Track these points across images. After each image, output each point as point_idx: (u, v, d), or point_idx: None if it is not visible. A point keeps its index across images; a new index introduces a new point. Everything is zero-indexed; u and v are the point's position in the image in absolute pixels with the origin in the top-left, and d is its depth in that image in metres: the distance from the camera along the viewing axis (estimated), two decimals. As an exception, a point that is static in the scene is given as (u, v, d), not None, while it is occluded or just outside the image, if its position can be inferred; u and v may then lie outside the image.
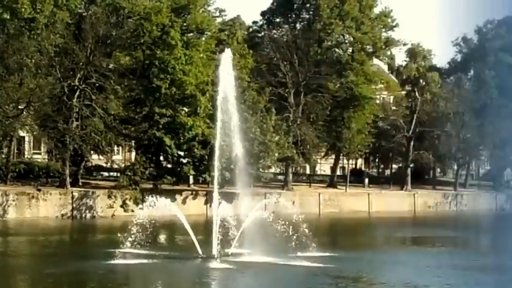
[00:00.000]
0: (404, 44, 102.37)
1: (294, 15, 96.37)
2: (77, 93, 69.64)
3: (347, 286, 32.43)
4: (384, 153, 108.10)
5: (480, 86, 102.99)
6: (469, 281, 34.54)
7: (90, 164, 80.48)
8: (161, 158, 72.95)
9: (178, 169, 73.18)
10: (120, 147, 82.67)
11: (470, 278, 35.55)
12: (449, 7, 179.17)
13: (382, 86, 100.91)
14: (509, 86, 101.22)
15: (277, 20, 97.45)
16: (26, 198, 68.34)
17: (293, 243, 37.58)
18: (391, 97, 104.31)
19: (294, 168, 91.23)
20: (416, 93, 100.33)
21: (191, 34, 76.57)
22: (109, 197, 71.82)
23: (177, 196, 67.00)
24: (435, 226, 69.34)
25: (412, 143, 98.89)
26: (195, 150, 70.13)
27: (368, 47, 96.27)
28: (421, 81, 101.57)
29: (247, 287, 33.30)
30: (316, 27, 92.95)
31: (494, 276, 36.52)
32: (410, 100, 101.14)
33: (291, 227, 38.10)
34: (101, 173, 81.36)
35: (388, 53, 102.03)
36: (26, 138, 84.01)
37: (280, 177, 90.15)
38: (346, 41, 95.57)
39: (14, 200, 67.36)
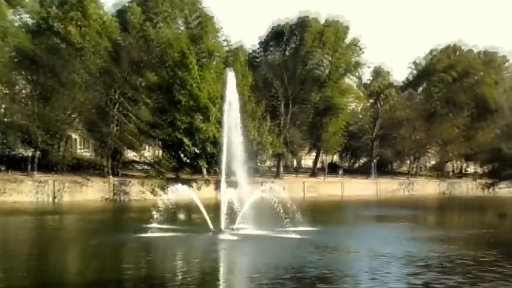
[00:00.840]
0: (369, 66, 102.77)
1: (284, 44, 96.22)
2: (116, 104, 69.71)
3: (327, 254, 32.13)
4: (353, 150, 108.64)
5: (427, 98, 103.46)
6: (424, 249, 34.12)
7: (126, 159, 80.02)
8: (181, 154, 72.66)
9: (195, 163, 73.01)
10: (150, 146, 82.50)
11: (424, 247, 35.16)
12: (407, 36, 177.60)
13: (352, 98, 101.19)
14: (449, 99, 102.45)
15: (271, 47, 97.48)
16: (77, 186, 68.52)
17: (284, 219, 37.37)
18: (359, 107, 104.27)
19: (284, 162, 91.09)
20: (379, 104, 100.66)
21: (204, 58, 76.22)
22: (141, 184, 71.81)
23: (193, 184, 66.77)
24: (394, 206, 69.30)
25: (375, 142, 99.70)
26: (208, 148, 70.04)
27: (341, 68, 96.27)
28: (382, 95, 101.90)
29: (247, 254, 32.88)
30: (301, 53, 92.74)
31: (443, 245, 36.14)
32: (374, 109, 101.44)
33: (282, 207, 38.02)
34: (135, 165, 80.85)
35: (357, 73, 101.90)
36: (77, 140, 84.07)
37: (273, 169, 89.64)
38: (324, 64, 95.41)
39: (68, 187, 67.50)
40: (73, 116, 71.07)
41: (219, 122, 51.39)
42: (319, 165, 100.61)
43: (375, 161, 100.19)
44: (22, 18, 77.93)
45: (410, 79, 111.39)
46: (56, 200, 65.66)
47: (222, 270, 28.93)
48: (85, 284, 25.91)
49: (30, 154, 68.93)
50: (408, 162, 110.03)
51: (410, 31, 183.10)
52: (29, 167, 67.56)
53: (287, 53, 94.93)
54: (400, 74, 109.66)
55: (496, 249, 36.78)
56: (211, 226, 37.62)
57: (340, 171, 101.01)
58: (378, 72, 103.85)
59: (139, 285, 25.32)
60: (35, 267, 29.24)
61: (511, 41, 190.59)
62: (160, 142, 76.71)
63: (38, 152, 69.47)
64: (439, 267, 28.40)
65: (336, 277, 26.20)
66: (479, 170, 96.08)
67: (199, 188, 67.86)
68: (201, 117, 71.67)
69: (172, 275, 27.18)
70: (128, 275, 27.34)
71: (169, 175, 71.05)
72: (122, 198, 70.01)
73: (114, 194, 70.26)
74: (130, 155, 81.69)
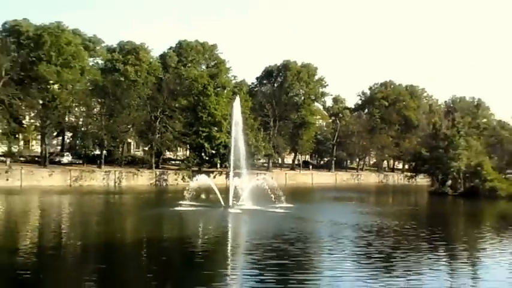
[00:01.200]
0: (331, 95, 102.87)
1: (273, 80, 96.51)
2: (158, 119, 69.44)
3: (301, 222, 31.99)
4: (319, 152, 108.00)
5: (370, 117, 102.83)
6: (367, 219, 34.15)
7: (165, 157, 79.87)
8: (202, 154, 72.26)
9: (212, 160, 72.67)
10: (181, 148, 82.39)
11: (368, 218, 35.18)
12: (357, 75, 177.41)
13: (319, 117, 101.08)
14: (385, 118, 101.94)
15: (264, 82, 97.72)
16: (132, 175, 68.08)
17: (272, 199, 37.19)
18: (324, 123, 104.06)
19: (272, 160, 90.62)
20: (337, 121, 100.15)
21: (218, 88, 76.39)
22: (175, 173, 71.55)
23: (211, 174, 66.24)
24: (347, 191, 69.06)
25: (334, 147, 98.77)
26: (220, 150, 69.90)
27: (312, 96, 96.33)
28: (340, 114, 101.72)
29: (247, 222, 32.71)
30: (284, 86, 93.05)
31: (380, 217, 36.10)
32: (333, 125, 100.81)
33: (271, 191, 38.06)
34: (171, 161, 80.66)
35: (322, 100, 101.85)
36: (132, 143, 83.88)
37: (265, 164, 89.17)
38: (300, 93, 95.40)
39: (125, 176, 67.26)
40: (129, 127, 70.78)
41: (229, 132, 51.31)
42: (296, 162, 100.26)
43: (334, 159, 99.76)
44: (95, 60, 78.41)
45: (359, 104, 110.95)
46: (117, 184, 65.42)
47: (229, 233, 28.94)
48: (136, 240, 25.95)
49: (99, 153, 68.86)
50: (357, 160, 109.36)
51: (360, 71, 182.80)
52: (99, 162, 67.46)
53: (275, 86, 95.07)
54: (351, 101, 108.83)
55: (415, 220, 37.34)
56: (222, 203, 37.45)
57: (311, 167, 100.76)
58: (336, 99, 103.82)
59: (173, 241, 25.39)
60: (103, 229, 29.36)
61: (428, 78, 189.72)
62: (188, 145, 76.45)
63: (105, 152, 69.36)
64: (377, 232, 28.57)
65: (308, 238, 26.33)
66: (405, 167, 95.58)
67: (214, 177, 67.36)
68: (216, 129, 71.56)
69: (195, 235, 27.35)
70: (165, 235, 27.60)
71: (194, 168, 70.75)
72: (162, 184, 69.52)
73: (156, 180, 69.76)
74: (168, 154, 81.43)
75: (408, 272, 18.63)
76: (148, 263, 20.65)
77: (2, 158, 62.70)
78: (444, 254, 23.89)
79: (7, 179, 56.42)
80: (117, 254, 22.21)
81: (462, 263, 21.95)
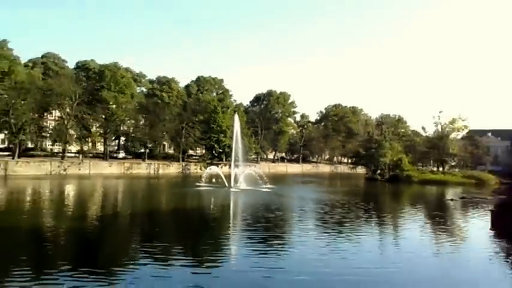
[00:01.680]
0: (299, 113, 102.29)
1: (261, 102, 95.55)
2: (184, 129, 68.59)
3: (280, 198, 31.68)
4: (292, 151, 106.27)
5: (325, 128, 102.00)
6: (324, 196, 34.04)
7: (188, 154, 79.04)
8: (214, 152, 71.64)
9: (220, 156, 71.82)
10: (199, 148, 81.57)
11: (324, 195, 35.06)
12: (317, 99, 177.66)
13: (291, 127, 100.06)
14: (335, 128, 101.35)
15: (255, 104, 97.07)
16: (165, 165, 66.85)
17: (260, 182, 37.13)
18: (295, 132, 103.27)
19: (259, 156, 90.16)
20: (303, 130, 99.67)
21: (224, 108, 75.71)
22: (195, 165, 70.72)
23: (219, 165, 64.52)
24: (310, 177, 68.66)
25: (301, 148, 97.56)
26: (225, 149, 69.05)
27: (286, 114, 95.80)
28: (305, 126, 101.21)
29: (243, 197, 31.84)
30: (268, 107, 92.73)
31: (333, 195, 36.02)
32: (301, 133, 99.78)
33: (260, 176, 38.09)
34: (193, 157, 79.92)
35: (294, 116, 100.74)
36: (166, 144, 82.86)
37: (255, 159, 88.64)
38: (279, 112, 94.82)
39: (161, 166, 65.99)
40: (164, 134, 69.97)
41: (231, 137, 51.12)
42: (276, 157, 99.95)
43: (301, 156, 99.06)
44: (141, 88, 77.77)
45: (318, 119, 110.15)
46: (155, 172, 64.44)
47: (231, 204, 28.51)
48: (169, 208, 25.80)
49: (143, 151, 68.23)
50: (316, 156, 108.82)
51: (318, 97, 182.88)
52: (143, 157, 66.72)
53: (262, 107, 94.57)
54: (313, 116, 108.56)
55: (356, 196, 37.18)
56: (226, 184, 37.03)
57: (285, 160, 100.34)
58: (303, 116, 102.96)
59: (194, 208, 25.12)
60: (146, 201, 29.11)
61: (365, 100, 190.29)
62: (204, 146, 75.79)
63: (148, 150, 68.66)
64: (330, 204, 28.39)
65: (283, 208, 26.31)
66: (349, 161, 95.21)
67: (221, 167, 66.38)
68: (222, 135, 70.79)
69: (209, 205, 27.17)
70: (188, 205, 27.28)
71: (208, 161, 69.93)
72: (186, 172, 68.34)
73: (182, 169, 68.39)
74: (190, 152, 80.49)
75: (353, 231, 18.62)
76: (177, 222, 20.52)
77: (76, 155, 62.25)
78: (376, 219, 23.94)
79: (79, 169, 55.81)
80: (156, 217, 22.03)
81: (388, 225, 22.03)
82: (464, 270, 12.96)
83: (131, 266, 11.83)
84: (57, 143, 62.18)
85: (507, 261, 14.12)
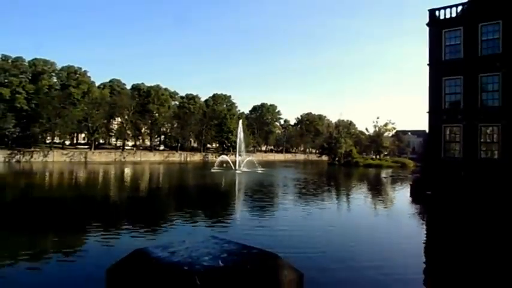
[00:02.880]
0: (283, 119, 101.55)
1: (256, 112, 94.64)
2: (204, 130, 67.25)
3: (270, 177, 31.11)
4: (278, 144, 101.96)
5: (301, 129, 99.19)
6: (301, 176, 33.23)
7: (207, 147, 78.04)
8: (224, 145, 71.43)
9: (228, 148, 71.10)
10: (214, 143, 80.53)
11: (301, 175, 34.28)
12: (295, 108, 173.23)
13: (277, 129, 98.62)
14: (307, 129, 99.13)
15: (252, 113, 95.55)
16: (192, 155, 66.43)
17: (256, 166, 36.78)
18: (280, 131, 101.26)
19: (255, 149, 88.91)
20: (286, 131, 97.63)
21: (231, 115, 74.77)
22: (212, 154, 69.25)
23: (228, 155, 64.37)
24: (290, 163, 68.48)
25: (284, 142, 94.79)
26: (233, 144, 67.66)
27: (274, 119, 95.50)
28: (287, 127, 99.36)
29: (245, 177, 31.25)
30: (262, 115, 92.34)
31: (306, 175, 35.41)
32: (284, 132, 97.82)
33: (256, 163, 37.78)
34: (210, 149, 78.71)
35: (280, 122, 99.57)
36: (192, 140, 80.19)
37: (253, 151, 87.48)
38: (269, 118, 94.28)
39: (189, 155, 65.50)
40: (190, 133, 69.39)
41: (236, 136, 50.72)
42: (267, 149, 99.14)
43: (284, 148, 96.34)
44: (175, 102, 76.12)
45: (296, 123, 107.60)
46: (185, 160, 63.59)
47: (236, 182, 27.88)
48: (193, 184, 25.33)
49: (176, 145, 67.12)
50: (295, 148, 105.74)
51: (296, 107, 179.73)
52: (177, 149, 66.24)
53: (258, 114, 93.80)
54: (293, 121, 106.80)
55: (321, 176, 36.73)
56: (233, 168, 36.61)
57: (273, 151, 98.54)
58: (285, 121, 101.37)
59: (210, 184, 24.76)
60: (176, 179, 28.71)
61: (329, 110, 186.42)
62: (218, 142, 75.29)
63: (179, 144, 67.47)
64: (304, 181, 28.23)
65: (273, 183, 25.95)
66: (317, 151, 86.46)
67: (229, 156, 66.04)
68: (230, 134, 70.39)
69: (219, 182, 26.79)
70: (207, 182, 26.84)
71: (220, 152, 69.26)
72: (206, 159, 67.76)
73: (203, 158, 67.69)
74: (208, 145, 79.40)
75: (318, 199, 18.63)
76: (199, 193, 20.31)
77: (132, 147, 62.28)
78: (335, 191, 23.86)
79: (133, 157, 55.66)
80: (185, 190, 21.91)
81: (342, 195, 21.80)
82: (388, 222, 13.02)
83: (168, 224, 11.80)
84: (119, 140, 62.18)
85: (419, 216, 14.47)
